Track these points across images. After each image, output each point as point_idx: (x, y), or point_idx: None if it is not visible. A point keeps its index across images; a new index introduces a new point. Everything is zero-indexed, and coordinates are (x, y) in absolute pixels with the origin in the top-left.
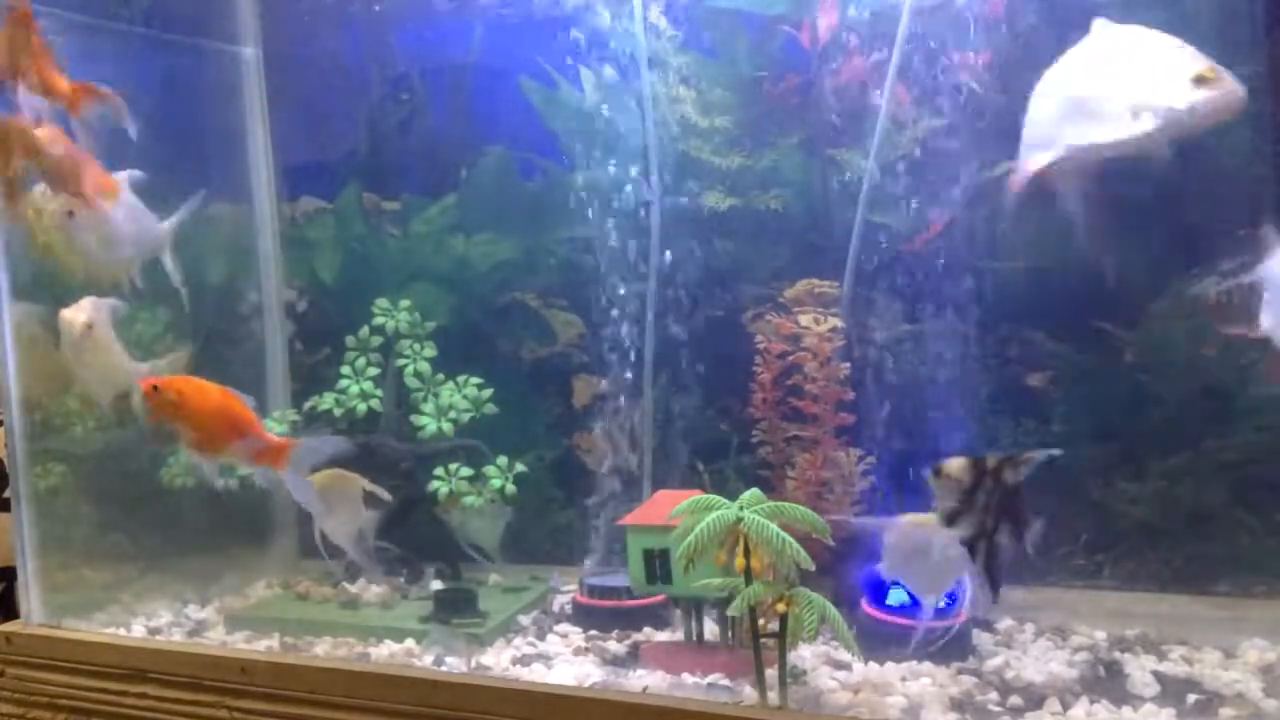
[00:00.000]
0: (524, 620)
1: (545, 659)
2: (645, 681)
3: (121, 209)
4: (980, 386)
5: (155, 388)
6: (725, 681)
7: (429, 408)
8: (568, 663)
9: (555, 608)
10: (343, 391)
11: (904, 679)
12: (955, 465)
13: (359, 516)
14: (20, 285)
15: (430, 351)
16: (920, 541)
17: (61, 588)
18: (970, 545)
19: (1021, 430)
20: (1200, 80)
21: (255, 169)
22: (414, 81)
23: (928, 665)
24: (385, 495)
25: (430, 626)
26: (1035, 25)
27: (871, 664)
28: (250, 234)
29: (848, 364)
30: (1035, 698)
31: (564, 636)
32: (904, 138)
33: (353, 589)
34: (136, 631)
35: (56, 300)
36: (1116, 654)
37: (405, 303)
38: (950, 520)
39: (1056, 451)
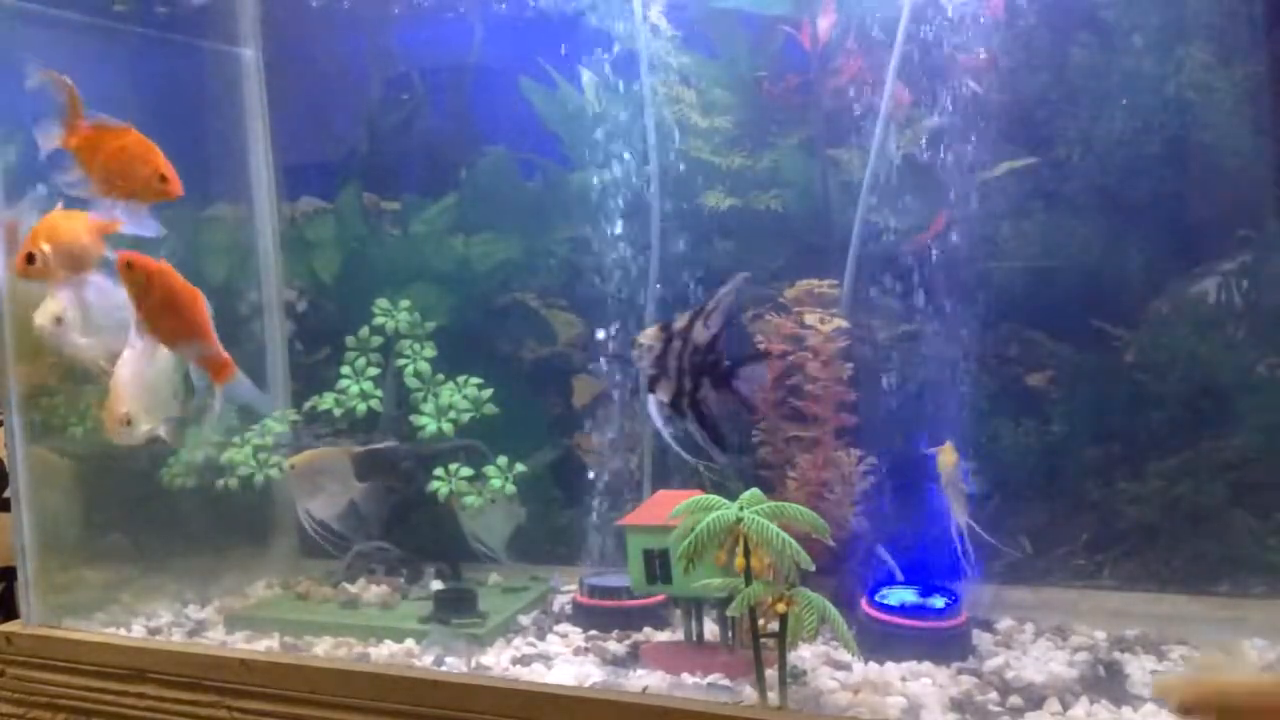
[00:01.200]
0: (524, 620)
1: (545, 659)
2: (645, 681)
3: (93, 289)
4: (980, 386)
5: (129, 264)
6: (725, 681)
7: (429, 408)
8: (568, 663)
9: (555, 608)
10: (343, 391)
11: (904, 679)
12: (646, 333)
13: (349, 489)
14: None
15: (430, 351)
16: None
17: (61, 588)
18: (675, 406)
19: (1021, 430)
20: None
21: (255, 169)
22: (414, 81)
23: (928, 665)
24: (382, 444)
25: (430, 626)
26: (1035, 25)
27: (871, 664)
28: (250, 234)
29: (850, 364)
30: (1035, 698)
31: (564, 636)
32: (904, 138)
33: (353, 589)
34: (136, 631)
35: None
36: (1116, 654)
37: (405, 303)
38: (651, 386)
39: (741, 277)
